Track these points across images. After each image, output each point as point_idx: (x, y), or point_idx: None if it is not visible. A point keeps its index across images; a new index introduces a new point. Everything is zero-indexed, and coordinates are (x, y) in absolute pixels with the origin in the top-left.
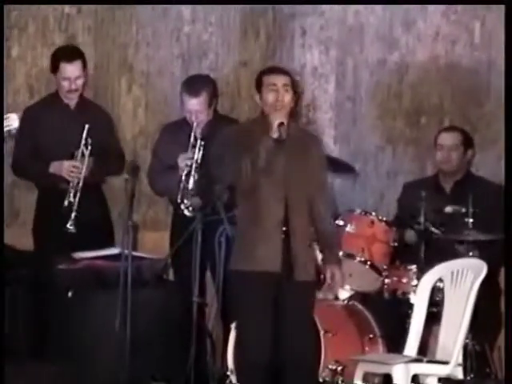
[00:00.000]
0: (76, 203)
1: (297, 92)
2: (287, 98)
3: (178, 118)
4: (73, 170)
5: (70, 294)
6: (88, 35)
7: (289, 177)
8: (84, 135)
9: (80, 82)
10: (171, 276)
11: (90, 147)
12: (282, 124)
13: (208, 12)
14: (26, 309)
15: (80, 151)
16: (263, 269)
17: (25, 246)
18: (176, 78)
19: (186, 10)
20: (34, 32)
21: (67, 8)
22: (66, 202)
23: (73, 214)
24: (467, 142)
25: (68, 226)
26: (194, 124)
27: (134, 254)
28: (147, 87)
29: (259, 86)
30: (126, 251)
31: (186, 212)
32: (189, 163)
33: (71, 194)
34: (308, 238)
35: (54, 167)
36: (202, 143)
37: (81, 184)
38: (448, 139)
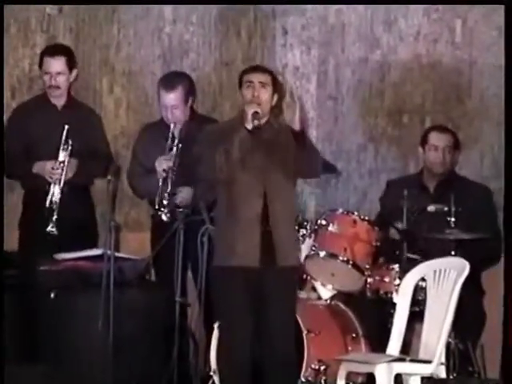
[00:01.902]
0: (57, 205)
1: (277, 91)
2: (263, 94)
3: (159, 118)
4: (52, 171)
5: (52, 295)
6: (69, 36)
7: (268, 170)
8: (63, 137)
9: (61, 78)
10: (154, 276)
11: (70, 148)
12: (256, 113)
13: (189, 12)
14: (8, 310)
15: (60, 153)
16: (243, 264)
17: (8, 247)
18: (157, 78)
19: (167, 9)
20: (15, 33)
21: (48, 9)
22: (47, 204)
23: (54, 217)
24: (456, 143)
25: (49, 228)
26: (171, 125)
27: (117, 254)
28: (129, 87)
29: (240, 84)
30: (109, 252)
31: (164, 217)
32: (165, 167)
33: (53, 196)
34: (293, 228)
35: (38, 167)
36: (180, 145)
37: (61, 185)
38: (442, 140)
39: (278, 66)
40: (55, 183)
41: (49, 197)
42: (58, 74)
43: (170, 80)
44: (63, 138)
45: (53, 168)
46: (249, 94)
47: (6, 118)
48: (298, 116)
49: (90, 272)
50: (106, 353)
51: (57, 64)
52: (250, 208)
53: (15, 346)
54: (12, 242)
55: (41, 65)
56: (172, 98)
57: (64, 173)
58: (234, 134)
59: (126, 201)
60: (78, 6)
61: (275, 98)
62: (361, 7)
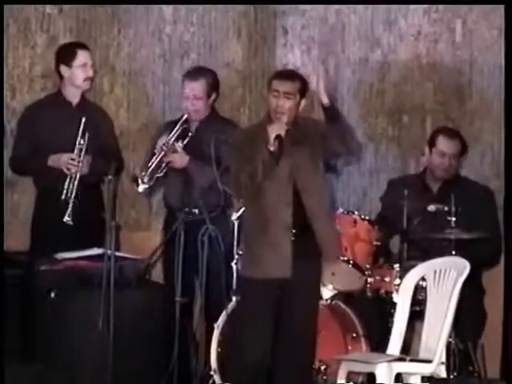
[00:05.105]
0: (73, 196)
1: (306, 97)
2: (287, 105)
3: (160, 118)
4: (71, 162)
5: (52, 294)
6: (69, 36)
7: (296, 170)
8: (81, 128)
9: (91, 72)
10: (154, 276)
11: (87, 140)
12: (278, 137)
13: (189, 12)
14: (8, 310)
15: (78, 144)
16: (273, 276)
17: (8, 247)
18: (158, 78)
19: (167, 10)
20: (15, 33)
21: (48, 9)
22: (63, 196)
23: (69, 207)
24: (464, 149)
25: (66, 218)
26: (185, 116)
27: (117, 254)
28: (129, 87)
29: (268, 89)
30: (109, 251)
31: (140, 188)
32: (161, 145)
33: (68, 188)
34: (333, 221)
35: (53, 160)
36: (189, 140)
37: (78, 176)
38: (451, 148)
39: (279, 66)
40: (71, 176)
41: (65, 188)
42: (91, 65)
43: (195, 71)
44: (81, 129)
45: (71, 159)
46: (273, 103)
47: (20, 114)
48: (324, 88)
49: (90, 272)
50: (106, 352)
51: (89, 57)
52: (279, 219)
53: (15, 346)
54: (12, 242)
55: (70, 59)
56: (194, 87)
57: (81, 165)
58: (258, 154)
59: (126, 200)
60: (78, 5)
61: (303, 103)
62: (361, 7)
